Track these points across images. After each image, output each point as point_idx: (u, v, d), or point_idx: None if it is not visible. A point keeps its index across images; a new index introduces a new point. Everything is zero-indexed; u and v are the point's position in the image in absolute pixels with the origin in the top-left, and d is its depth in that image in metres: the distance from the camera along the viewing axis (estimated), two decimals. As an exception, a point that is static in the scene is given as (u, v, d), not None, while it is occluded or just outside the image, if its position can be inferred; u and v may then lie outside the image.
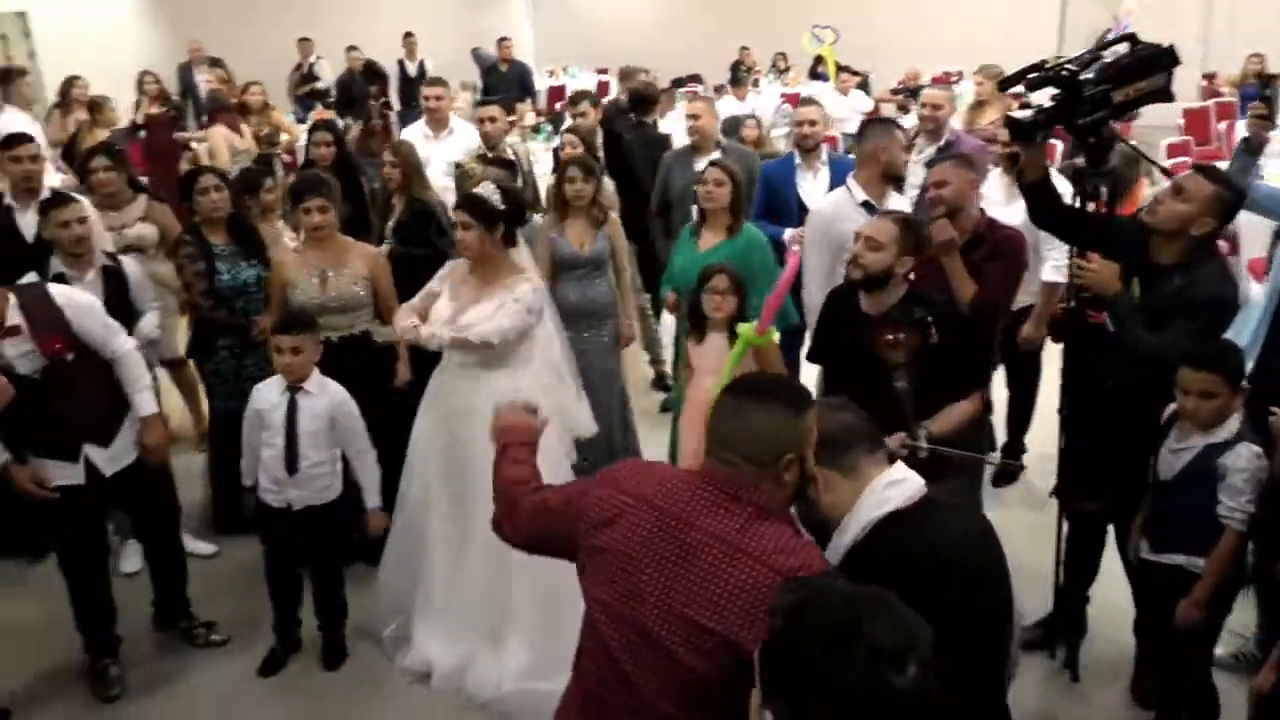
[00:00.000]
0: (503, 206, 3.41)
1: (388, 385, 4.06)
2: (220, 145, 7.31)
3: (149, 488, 3.58)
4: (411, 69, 11.54)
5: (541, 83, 13.54)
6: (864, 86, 12.53)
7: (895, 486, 1.86)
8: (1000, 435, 4.85)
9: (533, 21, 17.36)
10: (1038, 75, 3.07)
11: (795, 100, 12.60)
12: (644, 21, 16.20)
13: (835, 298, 3.33)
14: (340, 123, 8.52)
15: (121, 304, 4.04)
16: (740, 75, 13.92)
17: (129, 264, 4.16)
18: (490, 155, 5.37)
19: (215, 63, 10.28)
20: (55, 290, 3.37)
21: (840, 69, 11.97)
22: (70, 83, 7.98)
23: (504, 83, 10.83)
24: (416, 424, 3.69)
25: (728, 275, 3.76)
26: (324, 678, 3.66)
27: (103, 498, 3.49)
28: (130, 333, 3.78)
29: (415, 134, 6.02)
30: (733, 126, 7.27)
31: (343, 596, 3.75)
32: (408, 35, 11.54)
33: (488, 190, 3.44)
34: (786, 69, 13.82)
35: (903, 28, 14.35)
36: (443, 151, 5.77)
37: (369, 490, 3.58)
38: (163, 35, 11.29)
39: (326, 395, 3.48)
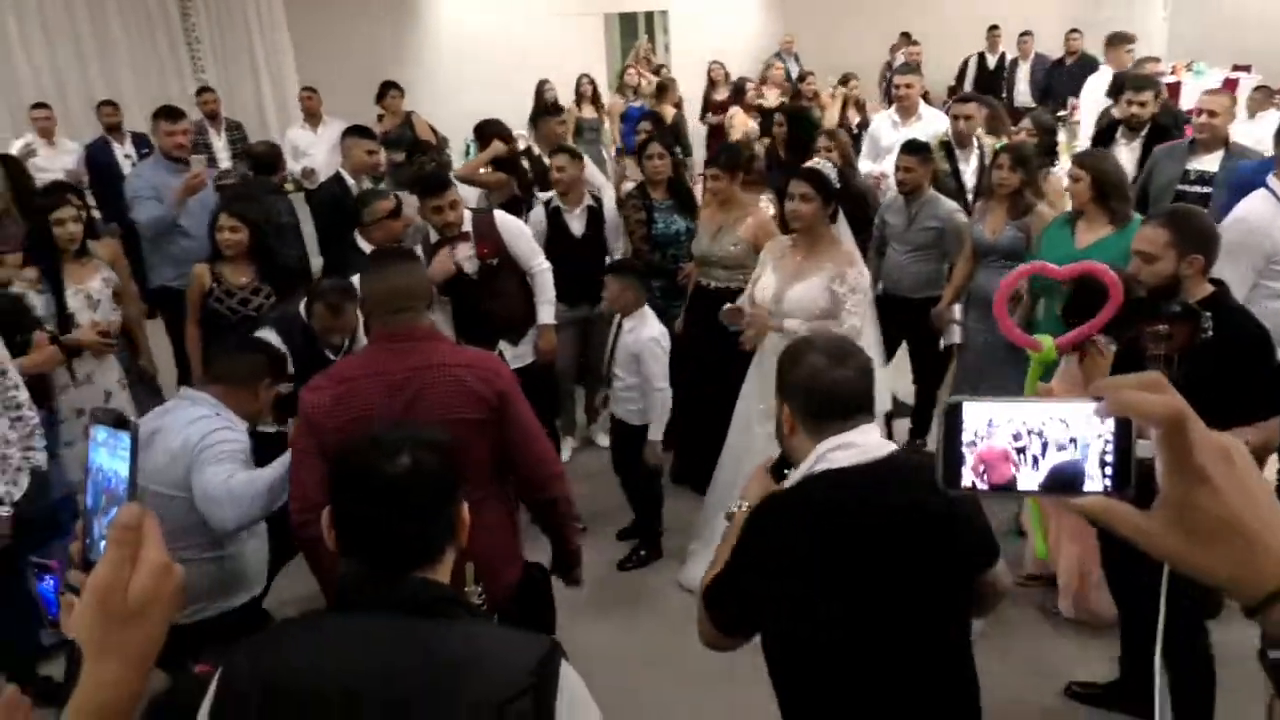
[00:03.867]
0: (838, 185, 3.66)
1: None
2: (739, 123, 8.26)
3: (537, 388, 4.43)
4: (991, 61, 11.36)
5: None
6: None
7: (843, 450, 1.85)
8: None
9: (1170, 11, 15.63)
10: None
11: None
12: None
13: None
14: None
15: (597, 237, 5.02)
16: None
17: (609, 207, 5.11)
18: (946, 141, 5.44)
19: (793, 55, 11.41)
20: (498, 213, 4.40)
21: None
22: (656, 70, 9.61)
23: (1066, 78, 10.11)
24: (750, 372, 4.06)
25: None
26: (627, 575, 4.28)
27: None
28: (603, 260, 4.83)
29: (884, 121, 6.23)
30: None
31: (646, 510, 4.32)
32: (993, 28, 11.35)
33: (828, 168, 3.68)
34: None
35: None
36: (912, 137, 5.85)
37: (654, 423, 4.05)
38: (773, 27, 12.54)
39: (639, 331, 4.03)
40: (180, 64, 9.21)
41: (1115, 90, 6.43)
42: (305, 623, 1.46)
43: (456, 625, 1.40)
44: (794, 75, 11.31)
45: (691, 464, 4.54)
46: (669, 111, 8.47)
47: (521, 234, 4.36)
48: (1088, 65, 9.53)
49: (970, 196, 5.25)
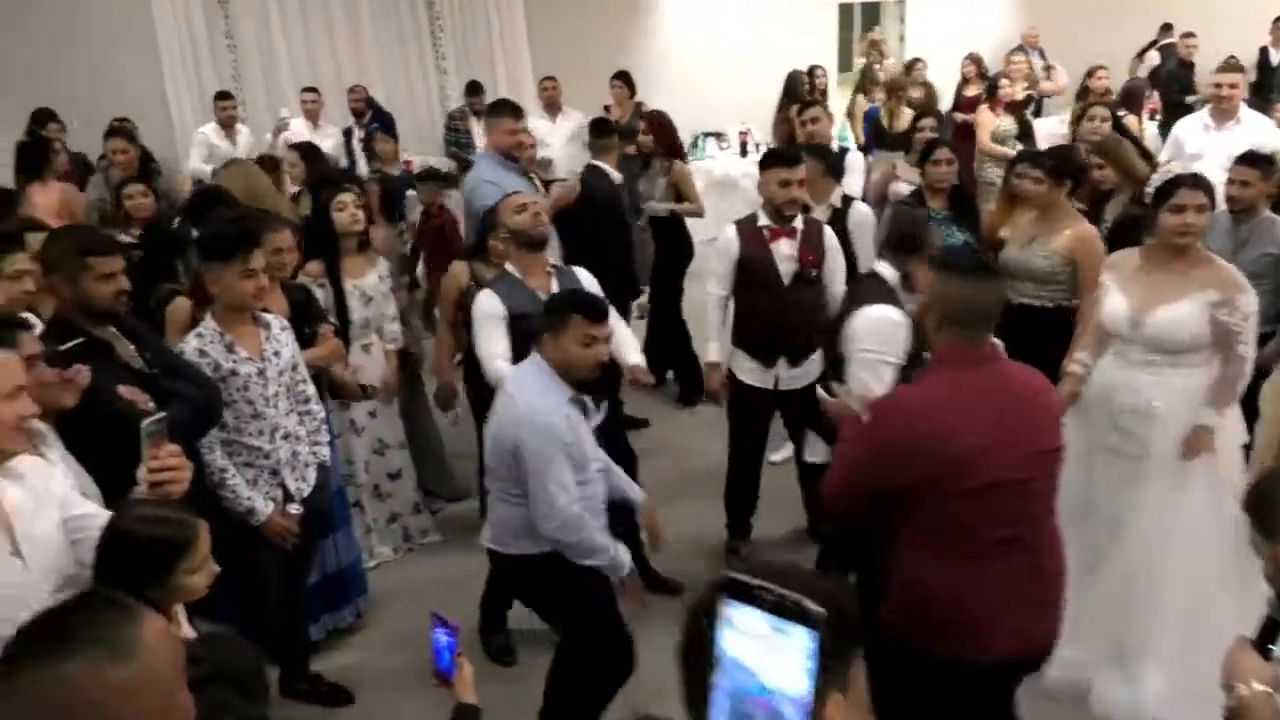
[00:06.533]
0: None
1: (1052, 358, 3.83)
2: (985, 121, 7.63)
3: (807, 415, 3.92)
4: (1275, 58, 10.12)
5: None
6: None
7: None
8: None
9: None
10: None
11: None
12: None
13: None
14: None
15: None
16: None
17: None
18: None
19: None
20: (828, 228, 4.08)
21: None
22: (910, 65, 9.10)
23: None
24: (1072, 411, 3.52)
25: None
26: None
27: (770, 407, 4.15)
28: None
29: (1194, 124, 5.51)
30: None
31: None
32: (1278, 21, 10.10)
33: None
34: None
35: None
36: (1227, 145, 5.14)
37: None
38: (1017, 18, 11.67)
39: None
40: (424, 53, 9.42)
41: None
42: None
43: None
44: (1038, 69, 10.48)
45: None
46: (905, 115, 7.78)
47: (840, 256, 4.08)
48: None
49: None
